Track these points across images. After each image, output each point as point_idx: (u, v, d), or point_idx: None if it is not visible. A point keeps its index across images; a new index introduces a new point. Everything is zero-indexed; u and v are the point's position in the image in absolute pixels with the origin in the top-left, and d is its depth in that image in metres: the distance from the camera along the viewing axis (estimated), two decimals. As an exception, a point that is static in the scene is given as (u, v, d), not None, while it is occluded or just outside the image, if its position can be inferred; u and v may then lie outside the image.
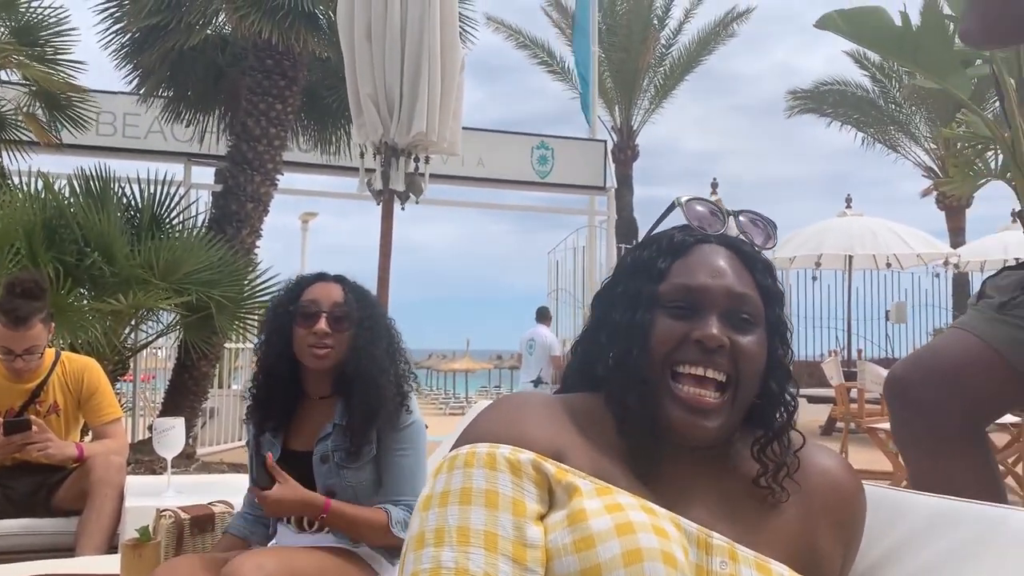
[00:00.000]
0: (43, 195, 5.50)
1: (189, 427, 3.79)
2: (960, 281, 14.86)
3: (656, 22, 16.69)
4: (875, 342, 13.97)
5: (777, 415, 1.00)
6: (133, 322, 5.77)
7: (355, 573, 1.93)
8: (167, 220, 6.02)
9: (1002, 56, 4.28)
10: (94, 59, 7.04)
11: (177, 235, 5.97)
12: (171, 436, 2.95)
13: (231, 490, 2.61)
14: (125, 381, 7.15)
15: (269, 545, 2.06)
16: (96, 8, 7.01)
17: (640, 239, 1.11)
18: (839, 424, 8.83)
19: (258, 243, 6.97)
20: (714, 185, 14.67)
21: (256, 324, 5.62)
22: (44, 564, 2.44)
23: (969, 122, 6.82)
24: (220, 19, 7.18)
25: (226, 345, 7.35)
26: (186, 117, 7.91)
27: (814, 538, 0.98)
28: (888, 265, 12.37)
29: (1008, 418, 5.21)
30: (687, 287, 0.98)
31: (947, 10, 4.82)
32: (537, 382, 9.82)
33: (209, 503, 2.50)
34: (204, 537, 2.40)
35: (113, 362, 5.35)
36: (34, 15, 6.41)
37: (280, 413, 2.07)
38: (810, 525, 0.98)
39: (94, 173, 5.70)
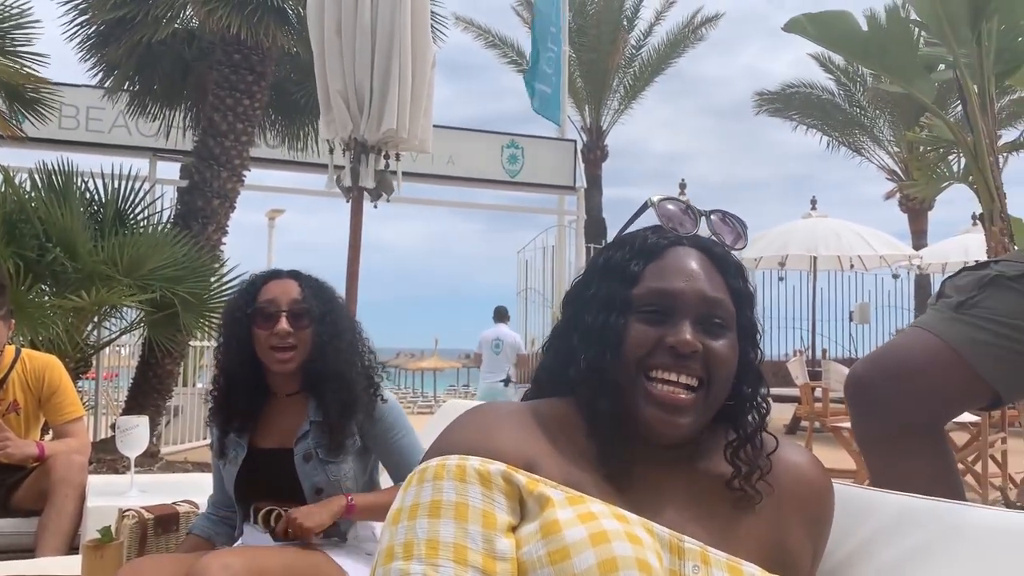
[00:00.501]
0: (3, 188, 5.39)
1: (153, 425, 3.73)
2: (922, 282, 15.10)
3: (626, 23, 16.77)
4: (839, 342, 14.16)
5: (749, 418, 1.00)
6: (96, 319, 5.68)
7: (322, 572, 1.91)
8: (131, 216, 5.93)
9: (965, 62, 4.36)
10: (58, 51, 6.92)
11: (142, 231, 5.88)
12: (134, 435, 2.91)
13: (196, 489, 2.58)
14: (87, 379, 7.03)
15: (236, 545, 2.04)
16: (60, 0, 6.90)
17: (611, 239, 1.10)
18: (804, 423, 8.93)
19: (224, 240, 6.90)
20: (682, 186, 14.76)
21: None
22: (3, 565, 2.40)
23: (932, 126, 6.93)
24: (187, 13, 7.09)
25: (191, 343, 7.25)
26: (152, 112, 7.80)
27: (785, 535, 0.98)
28: (852, 266, 12.55)
29: (968, 417, 5.30)
30: (660, 291, 0.98)
31: (913, 16, 4.89)
32: (507, 381, 9.83)
33: (173, 502, 2.47)
34: (168, 537, 2.37)
35: (75, 359, 5.25)
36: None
37: (244, 413, 2.04)
38: (781, 522, 0.99)
39: (56, 167, 5.60)
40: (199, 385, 8.71)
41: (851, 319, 13.56)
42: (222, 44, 6.76)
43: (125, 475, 3.08)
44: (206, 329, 5.89)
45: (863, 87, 16.64)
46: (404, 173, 4.36)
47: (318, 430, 1.99)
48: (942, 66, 4.82)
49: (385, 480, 2.17)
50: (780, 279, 13.87)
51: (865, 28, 4.51)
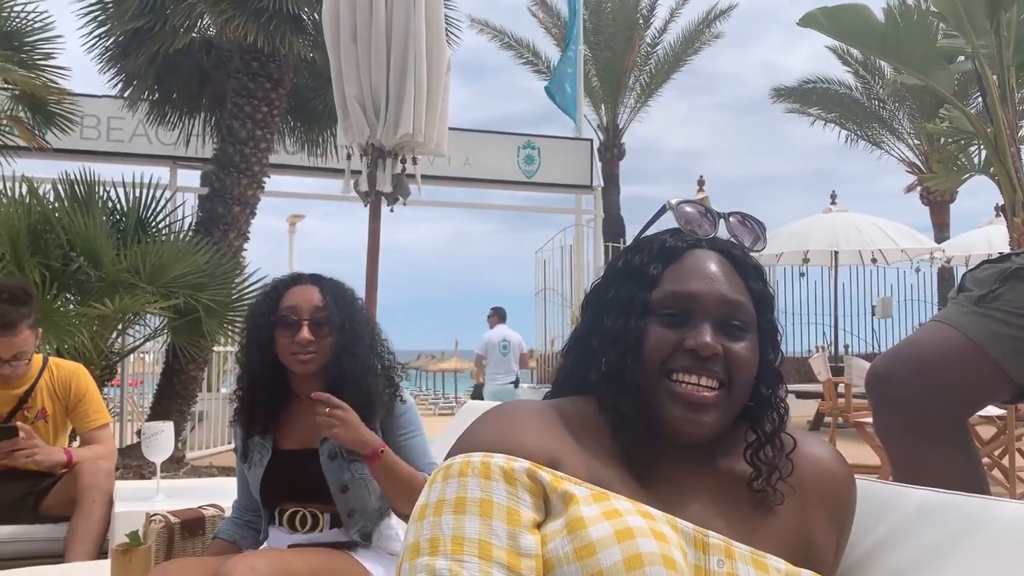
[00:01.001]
0: (28, 200, 5.46)
1: (178, 431, 3.77)
2: (945, 276, 14.94)
3: (641, 21, 16.73)
4: (861, 337, 14.02)
5: (768, 419, 1.01)
6: (120, 326, 5.74)
7: (347, 574, 1.93)
8: (153, 224, 5.99)
9: (984, 53, 4.32)
10: (78, 63, 7.01)
11: (163, 239, 5.94)
12: (160, 440, 2.94)
13: (221, 494, 2.60)
14: (113, 386, 7.10)
15: (261, 548, 2.06)
16: (79, 12, 6.98)
17: (630, 241, 1.11)
18: (827, 419, 8.87)
19: (245, 246, 6.95)
20: (700, 182, 14.67)
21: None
22: (33, 571, 2.43)
23: (952, 118, 6.87)
24: (205, 22, 7.15)
25: (214, 348, 7.31)
26: (171, 120, 7.87)
27: (809, 528, 0.99)
28: (874, 260, 12.42)
29: (994, 411, 5.25)
30: (679, 294, 0.98)
31: (931, 7, 4.86)
32: (517, 383, 9.87)
33: (199, 507, 2.49)
34: (194, 541, 2.39)
35: (100, 367, 5.32)
36: (17, 21, 6.36)
37: (268, 415, 2.07)
38: (805, 516, 0.99)
39: (79, 177, 5.67)
40: (223, 390, 8.77)
41: (873, 314, 13.44)
42: (239, 52, 6.82)
43: (151, 480, 3.11)
44: (229, 335, 5.94)
45: (881, 80, 16.49)
46: (421, 175, 4.38)
47: None
48: (961, 58, 4.78)
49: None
50: (801, 275, 13.76)
51: (882, 20, 4.48)
